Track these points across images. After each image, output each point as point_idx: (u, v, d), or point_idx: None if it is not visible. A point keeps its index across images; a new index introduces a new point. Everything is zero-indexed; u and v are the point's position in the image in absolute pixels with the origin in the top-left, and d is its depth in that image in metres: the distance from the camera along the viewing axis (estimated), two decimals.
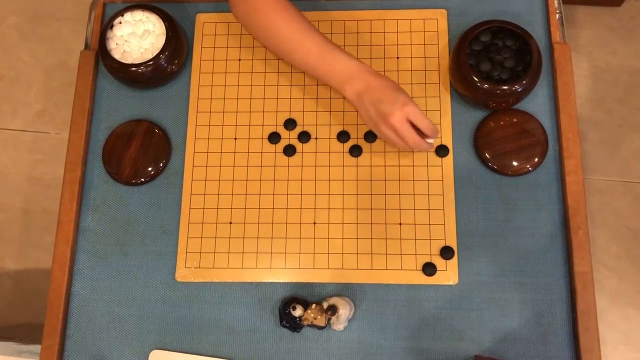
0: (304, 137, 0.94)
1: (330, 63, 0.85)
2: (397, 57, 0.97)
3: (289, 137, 0.95)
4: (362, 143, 0.94)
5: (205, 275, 0.90)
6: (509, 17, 0.96)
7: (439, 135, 0.92)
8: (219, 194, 0.93)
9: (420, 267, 0.88)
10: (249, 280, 0.90)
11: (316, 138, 0.94)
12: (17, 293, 1.67)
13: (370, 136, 0.93)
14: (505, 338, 0.86)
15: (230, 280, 0.90)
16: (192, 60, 0.99)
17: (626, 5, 1.77)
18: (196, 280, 0.90)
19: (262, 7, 0.87)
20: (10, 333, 1.61)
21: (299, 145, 0.95)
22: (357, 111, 0.93)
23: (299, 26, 0.86)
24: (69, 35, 1.86)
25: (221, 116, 0.96)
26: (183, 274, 0.90)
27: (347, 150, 0.93)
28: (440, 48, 0.97)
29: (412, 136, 0.82)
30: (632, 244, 1.61)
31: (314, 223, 0.91)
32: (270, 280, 0.89)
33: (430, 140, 0.86)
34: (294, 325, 0.86)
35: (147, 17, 0.96)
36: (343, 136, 0.94)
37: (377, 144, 0.93)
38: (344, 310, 0.83)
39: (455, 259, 0.88)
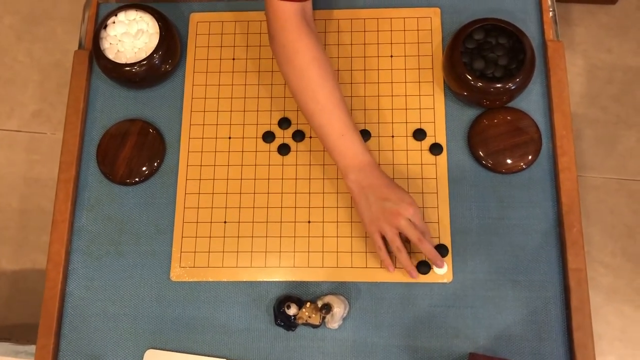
0: (298, 136, 0.94)
1: (345, 144, 0.84)
2: (391, 56, 0.97)
3: (283, 136, 0.95)
4: None
5: (200, 275, 0.90)
6: (503, 15, 0.96)
7: (437, 236, 0.90)
8: (213, 193, 0.93)
9: (414, 265, 0.88)
10: (244, 279, 0.90)
11: (310, 137, 0.95)
12: (14, 293, 1.67)
13: (365, 134, 0.93)
14: (499, 335, 0.86)
15: (225, 280, 0.90)
16: (186, 60, 0.99)
17: (621, 3, 1.78)
18: (191, 280, 0.90)
19: (299, 48, 0.84)
20: (7, 333, 1.61)
21: (293, 144, 0.95)
22: None
23: (329, 90, 0.84)
24: (65, 35, 1.86)
25: (215, 115, 0.96)
26: (178, 273, 0.90)
27: None
28: (434, 46, 0.97)
29: (414, 237, 0.82)
30: (628, 241, 1.62)
31: (309, 222, 0.91)
32: (264, 279, 0.89)
33: (438, 271, 0.87)
34: (289, 324, 0.86)
35: (140, 17, 0.95)
36: None
37: (372, 142, 0.93)
38: (339, 309, 0.84)
39: (449, 257, 0.88)
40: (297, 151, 0.94)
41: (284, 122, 0.95)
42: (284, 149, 0.94)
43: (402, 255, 0.84)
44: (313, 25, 0.89)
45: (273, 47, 0.88)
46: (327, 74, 0.85)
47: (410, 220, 0.82)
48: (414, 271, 0.85)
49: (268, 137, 0.95)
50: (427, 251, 0.83)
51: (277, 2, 0.84)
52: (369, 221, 0.84)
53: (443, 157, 0.92)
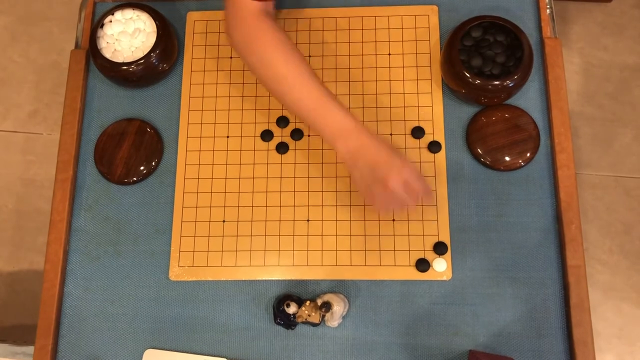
0: (297, 134, 0.94)
1: (324, 115, 0.80)
2: (389, 54, 0.97)
3: (282, 134, 0.95)
4: None
5: (198, 274, 0.90)
6: (500, 12, 0.96)
7: (434, 189, 0.90)
8: (211, 192, 0.93)
9: (413, 263, 0.88)
10: (243, 278, 0.89)
11: (309, 135, 0.94)
12: (11, 294, 1.66)
13: None
14: (499, 332, 0.86)
15: (224, 279, 0.90)
16: (183, 59, 0.99)
17: (617, 1, 1.78)
18: (190, 279, 0.90)
19: (260, 35, 0.81)
20: (4, 334, 1.60)
21: (291, 143, 0.94)
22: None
23: (295, 66, 0.81)
24: (61, 35, 1.86)
25: (213, 114, 0.96)
26: (176, 272, 0.90)
27: None
28: (431, 44, 0.97)
29: (409, 199, 0.79)
30: (625, 238, 1.62)
31: (308, 220, 0.91)
32: (264, 278, 0.89)
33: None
34: (288, 322, 0.86)
35: (137, 16, 0.95)
36: None
37: None
38: (338, 307, 0.83)
39: (448, 254, 0.88)
40: (295, 150, 0.94)
41: (282, 121, 0.95)
42: (282, 148, 0.94)
43: (405, 203, 0.80)
44: (275, 21, 0.85)
45: (234, 44, 0.85)
46: (289, 51, 0.81)
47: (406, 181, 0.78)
48: (428, 194, 0.81)
49: (266, 135, 0.95)
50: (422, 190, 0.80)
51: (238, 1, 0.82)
52: (363, 187, 0.80)
53: (441, 155, 0.92)
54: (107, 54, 0.94)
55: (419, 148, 0.93)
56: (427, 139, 0.93)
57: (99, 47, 0.94)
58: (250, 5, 0.82)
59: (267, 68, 0.82)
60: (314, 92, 0.80)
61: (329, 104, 0.80)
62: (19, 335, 1.60)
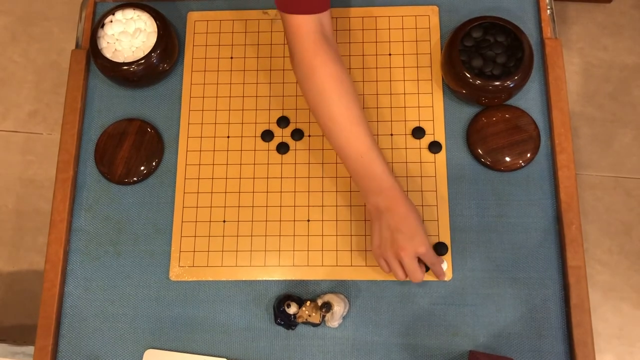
0: (297, 134, 0.94)
1: (365, 166, 0.80)
2: (390, 54, 0.97)
3: (282, 134, 0.95)
4: None
5: (199, 274, 0.90)
6: (500, 13, 0.97)
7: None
8: (212, 193, 0.93)
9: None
10: (243, 279, 0.89)
11: (309, 135, 0.94)
12: (10, 294, 1.66)
13: None
14: (499, 333, 0.86)
15: (224, 279, 0.90)
16: (184, 59, 0.99)
17: (617, 1, 1.78)
18: (190, 279, 0.90)
19: (317, 70, 0.80)
20: (4, 334, 1.60)
21: (292, 143, 0.94)
22: None
23: (348, 108, 0.80)
24: (61, 35, 1.86)
25: (214, 114, 0.96)
26: (177, 272, 0.90)
27: None
28: (432, 44, 0.97)
29: (416, 275, 0.81)
30: (625, 238, 1.62)
31: (308, 220, 0.91)
32: (264, 278, 0.89)
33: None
34: (289, 322, 0.86)
35: (138, 16, 0.95)
36: None
37: None
38: (339, 307, 0.84)
39: (448, 254, 0.88)
40: (296, 150, 0.94)
41: (283, 121, 0.95)
42: (282, 148, 0.94)
43: (409, 277, 0.82)
44: (332, 39, 0.84)
45: (292, 64, 0.85)
46: (345, 91, 0.80)
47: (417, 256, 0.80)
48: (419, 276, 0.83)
49: (267, 136, 0.95)
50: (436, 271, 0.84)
51: (292, 17, 0.80)
52: (376, 246, 0.82)
53: (442, 155, 0.92)
54: (108, 54, 0.94)
55: (420, 148, 0.93)
56: (428, 139, 0.93)
57: (99, 47, 0.94)
58: (304, 22, 0.80)
59: (322, 107, 0.81)
60: (359, 141, 0.80)
61: (372, 156, 0.80)
62: (19, 335, 1.60)
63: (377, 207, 0.80)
